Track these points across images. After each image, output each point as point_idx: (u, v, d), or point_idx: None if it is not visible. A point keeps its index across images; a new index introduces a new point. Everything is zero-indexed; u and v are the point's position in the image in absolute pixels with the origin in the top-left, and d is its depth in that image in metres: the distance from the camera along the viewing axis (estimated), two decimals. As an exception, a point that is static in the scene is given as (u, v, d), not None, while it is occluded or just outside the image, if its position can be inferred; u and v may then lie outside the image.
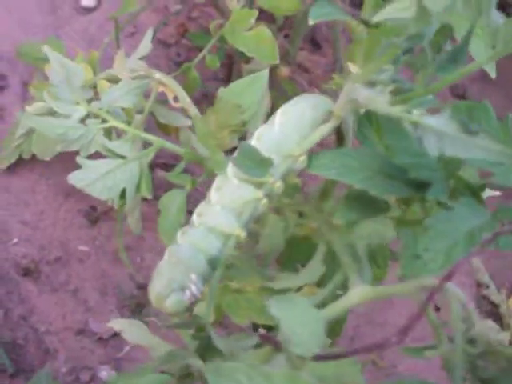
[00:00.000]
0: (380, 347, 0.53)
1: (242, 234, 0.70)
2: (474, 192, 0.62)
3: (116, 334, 1.05)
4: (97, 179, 0.80)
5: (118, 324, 0.75)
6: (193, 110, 0.85)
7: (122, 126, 0.86)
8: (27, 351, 1.04)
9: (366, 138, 0.68)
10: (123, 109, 0.88)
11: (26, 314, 1.06)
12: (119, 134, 0.91)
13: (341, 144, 0.73)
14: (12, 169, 1.16)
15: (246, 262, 0.73)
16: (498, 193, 0.77)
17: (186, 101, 0.86)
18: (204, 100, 1.24)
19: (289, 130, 0.71)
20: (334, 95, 0.72)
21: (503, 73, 0.90)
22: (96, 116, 0.86)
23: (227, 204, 0.70)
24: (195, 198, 0.83)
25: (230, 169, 0.71)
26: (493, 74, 0.84)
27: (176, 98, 0.90)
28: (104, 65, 1.08)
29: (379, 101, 0.62)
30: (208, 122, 0.79)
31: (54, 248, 1.12)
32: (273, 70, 1.04)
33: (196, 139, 0.82)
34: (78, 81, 0.87)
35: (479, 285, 1.18)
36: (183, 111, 0.94)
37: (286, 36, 1.27)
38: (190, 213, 0.73)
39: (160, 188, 1.07)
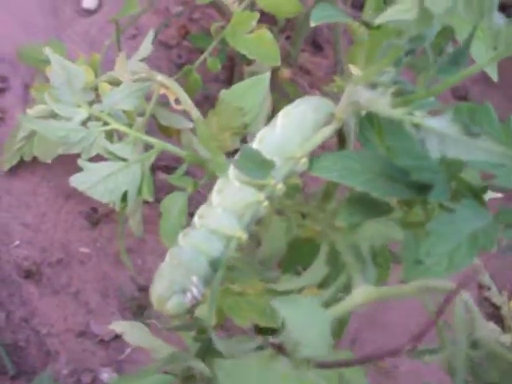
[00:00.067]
0: (393, 354, 0.53)
1: (244, 236, 0.70)
2: (476, 194, 0.61)
3: (117, 336, 1.05)
4: (98, 182, 0.80)
5: (119, 326, 0.75)
6: (195, 113, 0.84)
7: (123, 128, 0.86)
8: (29, 353, 1.04)
9: (367, 140, 0.68)
10: (124, 111, 0.88)
11: (28, 316, 1.06)
12: (121, 136, 0.91)
13: (342, 146, 0.73)
14: (13, 171, 1.16)
15: (248, 265, 0.73)
16: (499, 195, 0.77)
17: (187, 103, 0.86)
18: (205, 102, 1.24)
19: (291, 132, 0.71)
20: (335, 97, 0.72)
21: (505, 75, 0.90)
22: (97, 118, 0.86)
23: (229, 206, 0.70)
24: (197, 200, 0.83)
25: (232, 171, 0.71)
26: (494, 77, 0.84)
27: (177, 101, 0.90)
28: (105, 67, 1.08)
29: (381, 103, 0.62)
30: (210, 124, 0.79)
31: (56, 250, 1.12)
32: (274, 72, 1.03)
33: (197, 141, 0.82)
34: (79, 83, 0.87)
35: (480, 287, 1.17)
36: (185, 113, 0.94)
37: (287, 38, 1.27)
38: (191, 215, 0.73)
39: (161, 190, 1.07)
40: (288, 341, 0.53)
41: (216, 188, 0.72)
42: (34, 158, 1.12)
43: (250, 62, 1.13)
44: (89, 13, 1.36)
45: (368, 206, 0.66)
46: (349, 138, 0.72)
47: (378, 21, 0.60)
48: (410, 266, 0.57)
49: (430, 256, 0.57)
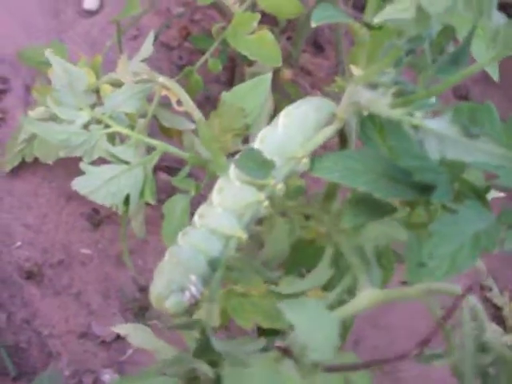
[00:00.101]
0: (399, 359, 0.52)
1: (244, 236, 0.70)
2: (479, 194, 0.61)
3: (119, 337, 1.05)
4: (100, 185, 0.80)
5: (121, 328, 0.75)
6: (196, 114, 0.84)
7: (125, 130, 0.86)
8: (30, 354, 1.04)
9: (369, 140, 0.68)
10: (126, 113, 0.88)
11: (29, 317, 1.06)
12: (122, 138, 0.91)
13: (344, 146, 0.73)
14: (15, 172, 1.16)
15: (250, 265, 0.72)
16: (502, 194, 0.77)
17: (189, 104, 0.86)
18: (206, 103, 1.24)
19: (292, 132, 0.71)
20: (336, 98, 0.72)
21: (506, 74, 0.90)
22: (99, 121, 0.86)
23: (229, 206, 0.70)
24: (198, 201, 0.83)
25: (232, 171, 0.71)
26: (495, 77, 0.84)
27: (179, 102, 0.90)
28: (106, 68, 1.08)
29: (381, 103, 0.62)
30: (211, 125, 0.79)
31: (57, 251, 1.12)
32: (275, 73, 1.03)
33: (199, 143, 0.82)
34: (80, 85, 0.87)
35: (482, 287, 1.17)
36: (186, 115, 0.94)
37: (288, 39, 1.27)
38: (193, 216, 0.73)
39: (163, 191, 1.07)
40: (295, 344, 0.53)
41: (216, 187, 0.72)
42: (36, 159, 1.12)
43: (251, 63, 1.13)
44: (90, 14, 1.36)
45: (371, 207, 0.65)
46: (350, 138, 0.72)
47: (376, 19, 0.60)
48: (413, 268, 0.57)
49: (433, 257, 0.57)
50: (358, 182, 0.64)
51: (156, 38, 0.99)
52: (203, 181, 0.83)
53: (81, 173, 0.82)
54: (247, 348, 0.61)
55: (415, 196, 0.63)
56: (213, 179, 0.76)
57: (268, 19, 1.12)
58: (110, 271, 1.12)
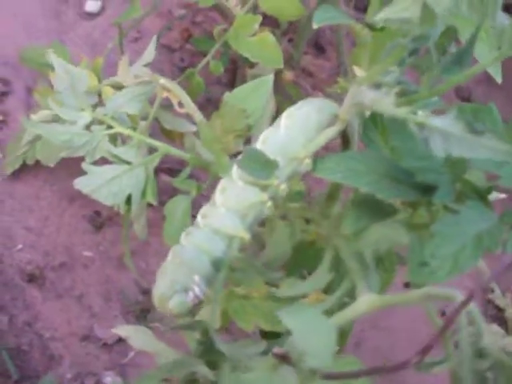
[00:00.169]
0: (401, 367, 0.52)
1: (247, 236, 0.70)
2: (481, 195, 0.61)
3: (121, 340, 1.05)
4: (102, 185, 0.80)
5: (123, 330, 0.74)
6: (198, 116, 0.84)
7: (127, 132, 0.86)
8: (32, 357, 1.03)
9: (371, 140, 0.68)
10: (128, 115, 0.88)
11: (31, 320, 1.06)
12: (124, 140, 0.91)
13: (346, 147, 0.73)
14: (16, 175, 1.16)
15: (251, 266, 0.72)
16: (503, 195, 0.77)
17: (190, 106, 0.86)
18: (208, 105, 1.24)
19: (294, 133, 0.71)
20: (338, 99, 0.72)
21: (509, 76, 0.90)
22: (101, 122, 0.86)
23: (232, 206, 0.70)
24: (200, 202, 0.83)
25: (235, 171, 0.71)
26: (498, 78, 0.84)
27: (181, 104, 0.90)
28: (107, 70, 1.08)
29: (385, 102, 0.62)
30: (213, 126, 0.79)
31: (59, 254, 1.12)
32: (277, 75, 1.04)
33: (201, 144, 0.82)
34: (82, 87, 0.87)
35: (484, 289, 1.17)
36: (188, 117, 0.94)
37: (290, 40, 1.27)
38: (194, 218, 0.73)
39: (165, 193, 1.07)
40: (293, 350, 0.53)
41: (219, 188, 0.72)
42: (37, 162, 1.12)
43: (252, 65, 1.13)
44: (91, 16, 1.36)
45: (373, 208, 0.65)
46: (352, 139, 0.72)
47: (377, 18, 0.60)
48: (415, 268, 0.57)
49: (435, 257, 0.57)
50: (361, 182, 0.64)
51: (157, 40, 0.99)
52: (205, 182, 0.83)
53: (82, 175, 0.82)
54: (248, 350, 0.60)
55: (417, 197, 0.63)
56: (215, 181, 0.75)
57: (269, 21, 1.13)
58: (112, 273, 1.12)
